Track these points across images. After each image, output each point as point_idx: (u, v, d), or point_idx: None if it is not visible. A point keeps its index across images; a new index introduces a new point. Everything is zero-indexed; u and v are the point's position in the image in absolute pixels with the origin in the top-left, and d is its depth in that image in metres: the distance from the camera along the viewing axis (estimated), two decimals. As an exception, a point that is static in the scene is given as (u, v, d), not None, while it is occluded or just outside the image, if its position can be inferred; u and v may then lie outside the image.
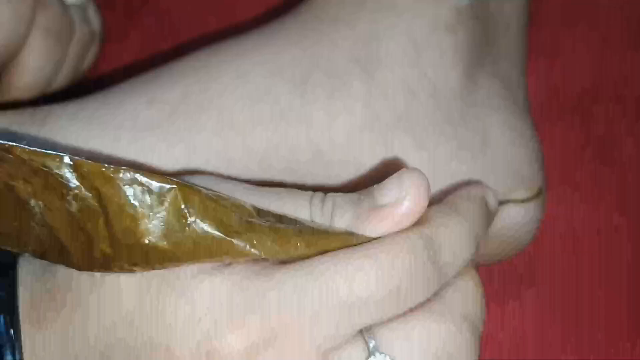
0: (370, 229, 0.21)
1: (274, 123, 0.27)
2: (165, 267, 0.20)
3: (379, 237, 0.21)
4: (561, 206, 0.34)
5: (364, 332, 0.20)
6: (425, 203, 0.21)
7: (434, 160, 0.28)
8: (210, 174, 0.26)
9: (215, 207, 0.20)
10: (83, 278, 0.21)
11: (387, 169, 0.28)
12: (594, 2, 0.39)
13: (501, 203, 0.27)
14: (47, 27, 0.31)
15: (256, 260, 0.20)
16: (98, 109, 0.28)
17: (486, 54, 0.30)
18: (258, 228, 0.20)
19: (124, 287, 0.20)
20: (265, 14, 0.39)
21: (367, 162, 0.28)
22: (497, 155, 0.29)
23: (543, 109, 0.37)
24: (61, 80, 0.34)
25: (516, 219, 0.29)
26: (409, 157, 0.28)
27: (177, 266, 0.20)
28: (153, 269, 0.20)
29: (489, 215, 0.24)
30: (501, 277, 0.32)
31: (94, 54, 0.36)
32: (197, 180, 0.22)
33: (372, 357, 0.20)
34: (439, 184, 0.28)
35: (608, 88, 0.37)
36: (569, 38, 0.38)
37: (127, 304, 0.20)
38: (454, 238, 0.22)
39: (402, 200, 0.21)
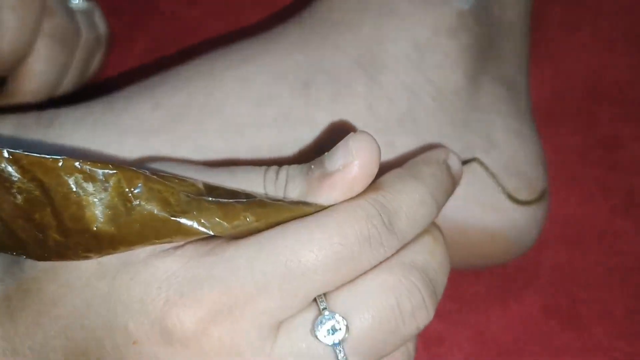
0: (322, 197, 0.21)
1: (278, 126, 0.27)
2: (117, 252, 0.20)
3: (332, 205, 0.21)
4: (565, 209, 0.34)
5: (318, 299, 0.20)
6: (374, 166, 0.21)
7: None
8: (170, 158, 0.27)
9: (161, 188, 0.20)
10: (44, 267, 0.21)
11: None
12: (597, 6, 0.39)
13: (465, 162, 0.27)
14: (52, 33, 0.31)
15: (209, 239, 0.20)
16: (104, 113, 0.28)
17: (489, 57, 0.31)
18: (205, 205, 0.20)
19: (82, 273, 0.21)
20: (269, 19, 0.39)
21: None
22: (500, 157, 0.29)
23: (547, 112, 0.37)
24: (67, 85, 0.34)
25: (520, 221, 0.29)
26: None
27: (130, 249, 0.20)
28: (107, 254, 0.20)
29: (451, 179, 0.24)
30: (504, 278, 0.32)
31: (100, 59, 0.37)
32: (154, 165, 0.23)
33: (321, 316, 0.20)
34: None
35: (611, 91, 0.37)
36: (573, 42, 0.38)
37: (86, 289, 0.20)
38: (410, 203, 0.21)
39: (349, 165, 0.20)
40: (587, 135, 0.36)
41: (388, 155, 0.28)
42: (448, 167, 0.24)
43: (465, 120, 0.29)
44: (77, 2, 0.34)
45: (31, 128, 0.27)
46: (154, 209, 0.20)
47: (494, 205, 0.29)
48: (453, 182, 0.24)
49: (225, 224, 0.20)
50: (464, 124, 0.29)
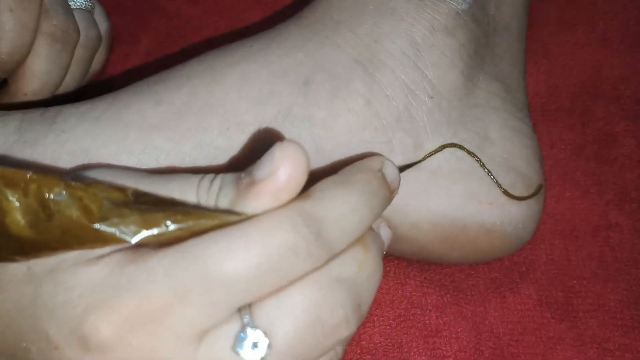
0: (249, 206, 0.21)
1: (278, 122, 0.28)
2: (42, 256, 0.21)
3: (259, 214, 0.20)
4: (560, 204, 0.35)
5: (242, 310, 0.20)
6: (300, 175, 0.20)
7: (433, 158, 0.29)
8: (111, 166, 0.27)
9: (83, 195, 0.20)
10: None
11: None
12: (592, 4, 0.39)
13: (402, 169, 0.27)
14: (51, 32, 0.32)
15: (137, 247, 0.20)
16: (107, 109, 0.28)
17: (486, 55, 0.31)
18: (126, 212, 0.20)
19: (13, 277, 0.21)
20: (270, 18, 0.39)
21: None
22: (496, 154, 0.30)
23: (543, 109, 0.37)
24: (69, 83, 0.35)
25: (517, 216, 0.30)
26: (409, 155, 0.29)
27: (53, 254, 0.20)
28: (33, 257, 0.21)
29: (386, 187, 0.24)
30: (500, 271, 0.33)
31: (102, 57, 0.37)
32: (93, 172, 0.23)
33: (242, 333, 0.20)
34: (440, 181, 0.29)
35: (607, 88, 0.37)
36: (568, 39, 0.39)
37: (16, 293, 0.21)
38: (340, 212, 0.21)
39: (274, 173, 0.20)
40: (582, 131, 0.37)
41: (385, 152, 0.28)
42: (383, 175, 0.24)
43: (462, 117, 0.30)
44: (76, 0, 0.35)
45: (35, 124, 0.28)
46: (74, 215, 0.20)
47: (490, 201, 0.29)
48: (389, 191, 0.24)
49: (145, 231, 0.20)
50: (461, 121, 0.30)
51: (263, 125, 0.28)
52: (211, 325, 0.20)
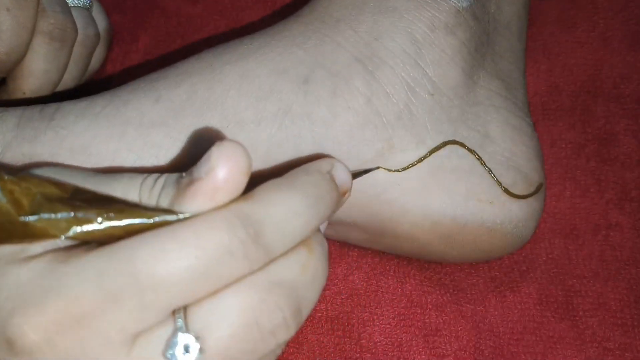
0: (186, 206, 0.20)
1: (277, 120, 0.28)
2: None
3: (196, 215, 0.20)
4: (560, 203, 0.35)
5: (176, 313, 0.19)
6: (239, 176, 0.20)
7: (434, 156, 0.29)
8: (62, 165, 0.26)
9: (14, 188, 0.19)
10: None
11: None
12: (593, 3, 0.39)
13: (356, 175, 0.27)
14: (49, 31, 0.31)
15: (70, 248, 0.20)
16: (106, 106, 0.28)
17: (486, 53, 0.31)
18: (58, 208, 0.20)
19: None
20: (270, 17, 0.39)
21: (369, 158, 0.28)
22: (497, 152, 0.30)
23: (543, 108, 0.37)
24: (68, 81, 0.35)
25: (517, 215, 0.30)
26: (409, 153, 0.29)
27: None
28: None
29: (335, 190, 0.23)
30: (500, 270, 0.33)
31: (101, 55, 0.37)
32: (40, 169, 0.22)
33: (174, 337, 0.19)
34: (440, 179, 0.29)
35: (607, 87, 0.37)
36: (569, 38, 0.39)
37: None
38: (282, 214, 0.21)
39: (211, 173, 0.20)
40: (582, 130, 0.36)
41: (385, 149, 0.28)
42: (332, 178, 0.23)
43: (462, 115, 0.30)
44: None
45: (34, 120, 0.28)
46: (6, 209, 0.19)
47: (491, 200, 0.29)
48: (338, 193, 0.24)
49: (76, 227, 0.20)
50: (461, 119, 0.30)
51: (263, 123, 0.28)
52: (143, 329, 0.19)
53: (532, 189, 0.30)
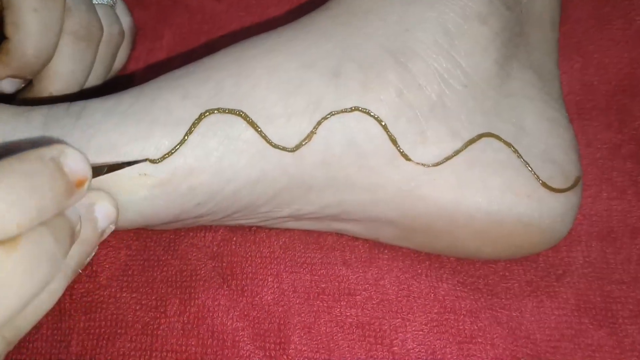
0: None
1: (308, 115, 0.27)
2: None
3: None
4: (597, 204, 0.34)
5: None
6: None
7: (469, 150, 0.28)
8: None
9: None
10: None
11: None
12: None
13: (115, 167, 0.25)
14: (75, 31, 0.31)
15: None
16: (133, 104, 0.28)
17: (519, 44, 0.30)
18: None
19: None
20: (294, 12, 0.39)
21: (402, 150, 0.28)
22: (533, 144, 0.29)
23: (578, 107, 0.36)
24: (93, 80, 0.34)
25: (555, 209, 0.29)
26: (443, 146, 0.28)
27: None
28: None
29: (62, 180, 0.21)
30: (536, 274, 0.31)
31: (125, 53, 0.36)
32: None
33: None
34: (476, 173, 0.28)
35: (644, 86, 0.36)
36: (603, 36, 0.38)
37: None
38: None
39: None
40: (618, 130, 0.35)
41: (418, 142, 0.27)
42: (58, 165, 0.21)
43: (496, 107, 0.29)
44: None
45: (61, 119, 0.27)
46: None
47: (527, 194, 0.28)
48: (67, 183, 0.21)
49: None
50: (495, 111, 0.29)
51: (293, 118, 0.27)
52: None
53: (569, 183, 0.29)
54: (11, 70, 0.30)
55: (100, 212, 0.26)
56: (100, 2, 0.34)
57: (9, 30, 0.29)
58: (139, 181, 0.26)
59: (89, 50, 0.32)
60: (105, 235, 0.26)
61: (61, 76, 0.32)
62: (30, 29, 0.29)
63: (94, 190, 0.26)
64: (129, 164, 0.26)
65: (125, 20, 0.36)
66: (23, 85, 0.32)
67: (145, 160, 0.26)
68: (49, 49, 0.30)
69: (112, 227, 0.26)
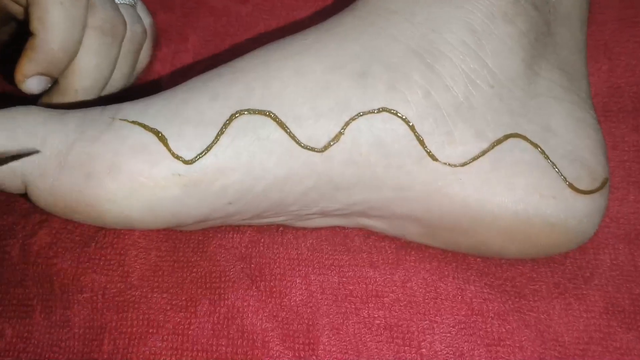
0: None
1: (335, 116, 0.27)
2: None
3: None
4: (624, 207, 0.33)
5: None
6: None
7: (495, 150, 0.28)
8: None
9: None
10: None
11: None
12: (656, 0, 0.38)
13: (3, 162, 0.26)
14: (100, 26, 0.31)
15: None
16: (164, 106, 0.28)
17: (547, 44, 0.30)
18: None
19: None
20: (319, 15, 0.39)
21: (429, 151, 0.28)
22: (560, 145, 0.29)
23: (605, 109, 0.36)
24: (118, 79, 0.35)
25: (582, 210, 0.29)
26: (470, 146, 0.28)
27: None
28: None
29: None
30: (564, 276, 0.31)
31: (147, 53, 0.37)
32: None
33: None
34: (502, 173, 0.28)
35: (671, 87, 0.36)
36: (631, 37, 0.37)
37: None
38: None
39: None
40: (646, 133, 0.35)
41: (445, 142, 0.28)
42: None
43: (523, 107, 0.29)
44: None
45: (95, 121, 0.28)
46: None
47: (554, 195, 0.28)
48: None
49: None
50: (522, 111, 0.29)
51: (321, 119, 0.28)
52: None
53: (596, 184, 0.29)
54: (38, 66, 0.30)
55: None
56: (122, 2, 0.34)
57: (35, 25, 0.29)
58: (172, 181, 0.27)
59: (114, 46, 0.33)
60: None
61: (87, 71, 0.32)
62: (56, 23, 0.30)
63: None
64: (19, 156, 0.27)
65: (146, 19, 0.37)
66: (49, 85, 0.32)
67: (36, 152, 0.27)
68: (75, 43, 0.31)
69: None
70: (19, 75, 0.31)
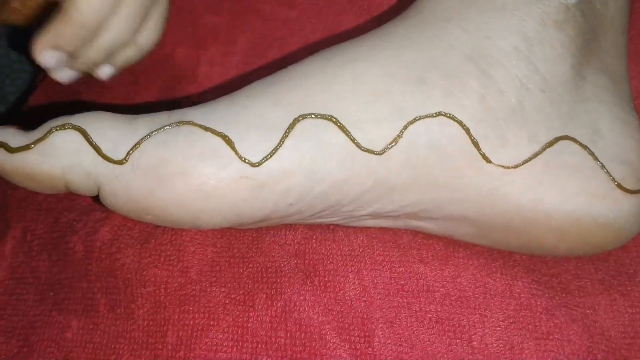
0: None
1: (394, 120, 0.29)
2: None
3: None
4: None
5: None
6: None
7: (546, 152, 0.29)
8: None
9: None
10: None
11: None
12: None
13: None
14: None
15: None
16: (228, 109, 0.29)
17: (593, 49, 0.31)
18: None
19: None
20: (367, 22, 0.40)
21: (484, 153, 0.29)
22: (607, 147, 0.30)
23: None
24: (123, 32, 0.35)
25: (629, 209, 0.30)
26: (522, 149, 0.29)
27: None
28: None
29: None
30: (609, 273, 0.32)
31: (157, 26, 0.38)
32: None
33: None
34: (553, 175, 0.29)
35: None
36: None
37: None
38: None
39: None
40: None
41: (499, 145, 0.29)
42: None
43: (572, 111, 0.30)
44: None
45: (164, 125, 0.29)
46: None
47: (603, 195, 0.30)
48: None
49: None
50: (571, 115, 0.30)
51: (379, 124, 0.29)
52: None
53: None
54: (59, 39, 0.33)
55: None
56: None
57: None
58: (240, 183, 0.28)
59: None
60: None
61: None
62: None
63: None
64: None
65: None
66: (80, 77, 0.33)
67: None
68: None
69: None
70: (38, 46, 0.33)
